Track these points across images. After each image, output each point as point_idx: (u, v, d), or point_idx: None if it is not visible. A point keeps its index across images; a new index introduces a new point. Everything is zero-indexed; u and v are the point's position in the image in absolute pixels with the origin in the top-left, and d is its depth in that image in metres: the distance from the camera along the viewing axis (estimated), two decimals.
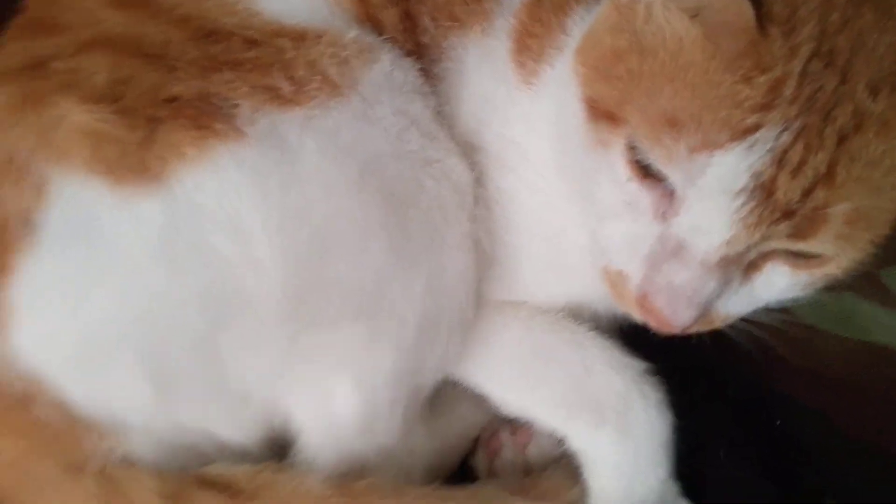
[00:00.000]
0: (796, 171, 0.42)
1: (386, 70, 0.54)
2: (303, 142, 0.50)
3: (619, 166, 0.46)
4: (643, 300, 0.47)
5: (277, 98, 0.50)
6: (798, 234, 0.44)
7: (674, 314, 0.45)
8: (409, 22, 0.60)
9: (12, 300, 0.48)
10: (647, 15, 0.45)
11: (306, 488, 0.52)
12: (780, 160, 0.41)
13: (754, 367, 0.68)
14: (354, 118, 0.52)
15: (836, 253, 0.45)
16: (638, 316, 0.49)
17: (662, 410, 0.57)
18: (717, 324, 0.49)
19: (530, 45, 0.58)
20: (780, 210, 0.42)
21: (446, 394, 0.64)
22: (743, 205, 0.42)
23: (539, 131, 0.57)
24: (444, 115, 0.60)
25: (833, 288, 0.60)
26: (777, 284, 0.48)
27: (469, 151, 0.60)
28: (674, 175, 0.44)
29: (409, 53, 0.59)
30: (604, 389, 0.58)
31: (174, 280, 0.48)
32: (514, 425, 0.64)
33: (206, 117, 0.48)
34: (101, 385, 0.49)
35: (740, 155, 0.41)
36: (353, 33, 0.55)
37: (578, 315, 0.62)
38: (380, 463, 0.56)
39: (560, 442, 0.61)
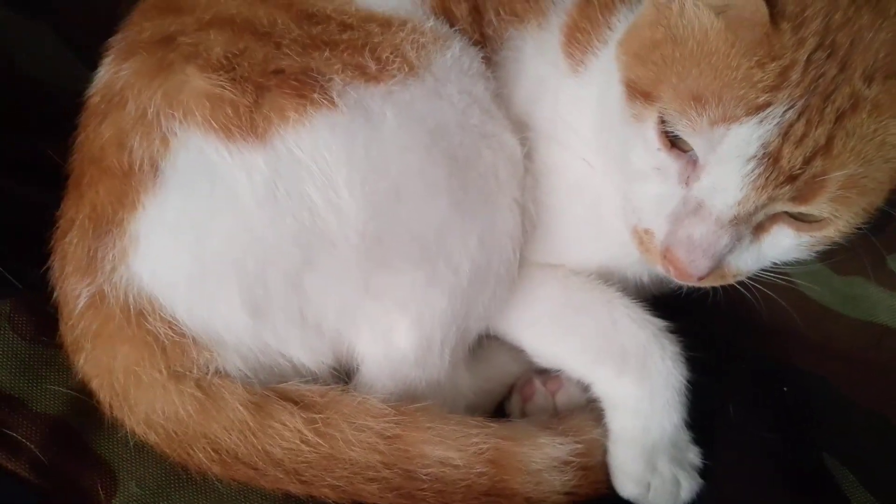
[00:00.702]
0: (799, 142, 0.49)
1: (456, 55, 0.62)
2: (384, 111, 0.58)
3: (652, 137, 0.54)
4: (666, 252, 0.54)
5: (364, 75, 0.58)
6: (800, 197, 0.50)
7: (692, 264, 0.53)
8: (477, 15, 0.68)
9: (138, 231, 0.56)
10: (681, 11, 0.53)
11: (367, 406, 0.59)
12: (785, 133, 0.48)
13: (767, 338, 0.74)
14: (427, 94, 0.60)
15: (834, 216, 0.52)
16: (661, 269, 0.56)
17: (679, 362, 0.64)
18: (729, 279, 0.56)
19: (579, 38, 0.65)
20: (783, 175, 0.49)
21: (488, 344, 0.71)
22: (753, 169, 0.49)
23: (583, 111, 0.64)
24: (501, 98, 0.66)
25: (845, 272, 0.68)
26: (782, 244, 0.55)
27: (522, 129, 0.67)
28: (697, 144, 0.51)
29: (474, 43, 0.66)
30: (627, 340, 0.65)
31: (274, 222, 0.56)
32: (546, 375, 0.71)
33: (306, 88, 0.56)
34: (205, 307, 0.57)
35: (753, 127, 0.48)
36: (430, 23, 0.63)
37: (608, 279, 0.69)
38: (428, 394, 0.63)
39: (586, 390, 0.67)
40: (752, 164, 0.49)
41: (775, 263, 0.57)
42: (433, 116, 0.60)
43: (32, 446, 0.56)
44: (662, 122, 0.53)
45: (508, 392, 0.72)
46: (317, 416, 0.57)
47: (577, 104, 0.65)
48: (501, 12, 0.68)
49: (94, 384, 0.58)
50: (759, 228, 0.54)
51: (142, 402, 0.57)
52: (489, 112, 0.63)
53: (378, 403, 0.59)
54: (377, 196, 0.57)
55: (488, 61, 0.67)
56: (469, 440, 0.59)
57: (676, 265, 0.54)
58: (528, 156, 0.67)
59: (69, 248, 0.59)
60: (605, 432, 0.64)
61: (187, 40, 0.59)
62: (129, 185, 0.56)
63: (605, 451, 0.64)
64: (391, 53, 0.59)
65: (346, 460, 0.57)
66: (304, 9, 0.61)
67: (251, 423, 0.56)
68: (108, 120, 0.59)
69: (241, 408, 0.56)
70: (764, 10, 0.49)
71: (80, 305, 0.58)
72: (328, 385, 0.61)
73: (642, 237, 0.57)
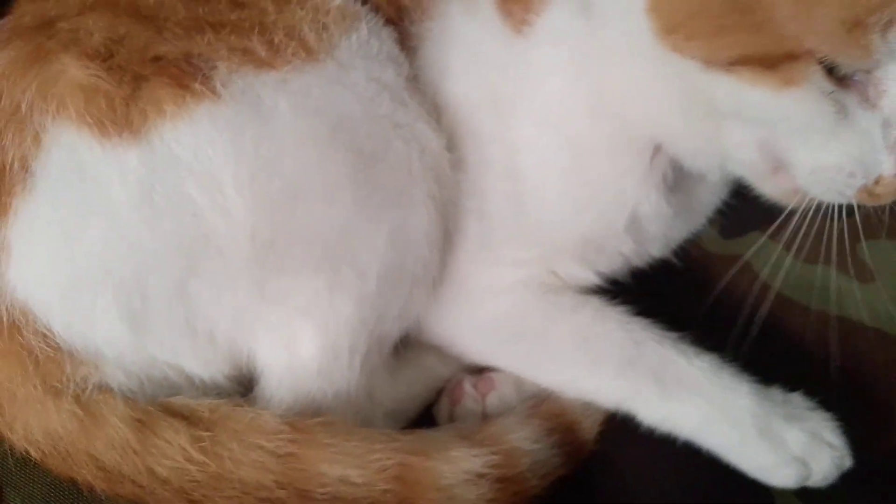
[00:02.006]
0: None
1: (363, 38, 0.58)
2: (276, 102, 0.54)
3: (814, 92, 0.48)
4: None
5: (254, 61, 0.54)
6: None
7: None
8: None
9: (9, 238, 0.53)
10: None
11: (261, 422, 0.55)
12: None
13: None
14: (328, 82, 0.56)
15: None
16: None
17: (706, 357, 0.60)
18: None
19: None
20: None
21: (415, 345, 0.67)
22: None
23: (543, 74, 0.60)
24: (421, 80, 0.62)
25: (809, 260, 0.63)
26: None
27: (455, 108, 0.63)
28: (874, 62, 0.46)
29: (389, 19, 0.62)
30: (657, 361, 0.61)
31: (152, 226, 0.52)
32: (477, 376, 0.68)
33: (187, 77, 0.52)
34: (81, 318, 0.53)
35: None
36: (338, 1, 0.58)
37: (587, 257, 0.65)
38: (337, 405, 0.59)
39: (520, 390, 0.65)
40: None
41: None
42: (335, 107, 0.56)
43: None
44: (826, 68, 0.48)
45: (438, 394, 0.69)
46: (204, 433, 0.54)
47: (530, 68, 0.60)
48: None
49: None
50: None
51: (19, 419, 0.54)
52: (401, 100, 0.59)
53: (271, 419, 0.56)
54: (269, 196, 0.53)
55: (405, 40, 0.62)
56: (372, 456, 0.56)
57: None
58: (470, 138, 0.63)
59: None
60: (526, 436, 0.61)
61: (66, 26, 0.55)
62: (1, 188, 0.53)
63: (525, 459, 0.60)
64: (285, 36, 0.55)
65: (235, 480, 0.54)
66: None
67: (133, 441, 0.53)
68: None
69: (121, 425, 0.53)
70: None
71: None
72: (223, 398, 0.57)
73: (873, 190, 0.52)
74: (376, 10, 0.62)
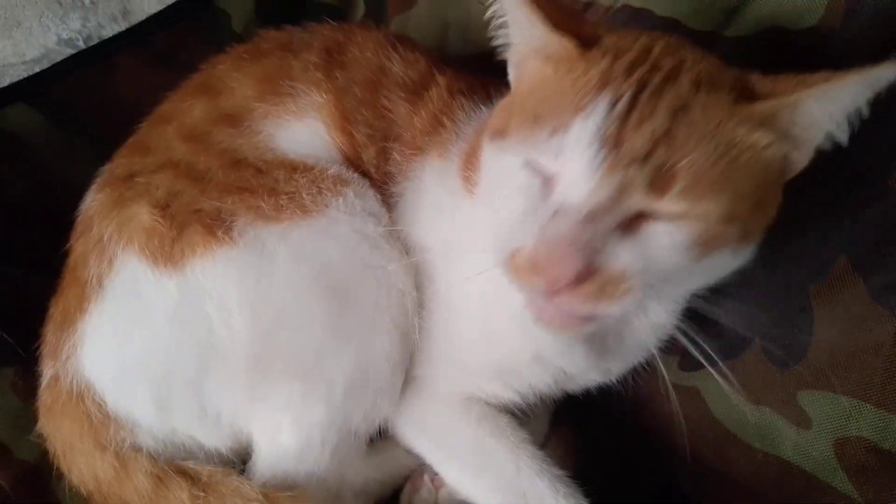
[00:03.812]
0: (637, 127, 0.52)
1: (350, 200, 0.73)
2: (277, 248, 0.70)
3: (511, 163, 0.57)
4: (534, 263, 0.53)
5: (263, 216, 0.70)
6: (654, 187, 0.51)
7: (559, 264, 0.51)
8: (383, 156, 0.78)
9: (84, 332, 0.71)
10: (524, 68, 0.62)
11: (242, 490, 0.69)
12: (621, 119, 0.52)
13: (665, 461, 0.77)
14: (318, 233, 0.71)
15: (693, 210, 0.52)
16: (535, 287, 0.54)
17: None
18: (621, 287, 0.53)
19: (475, 161, 0.71)
20: (628, 156, 0.51)
21: (388, 438, 0.80)
22: (597, 152, 0.51)
23: (476, 227, 0.69)
24: (396, 232, 0.75)
25: (756, 401, 0.70)
26: (659, 242, 0.53)
27: (421, 251, 0.75)
28: (546, 155, 0.54)
29: (375, 181, 0.76)
30: (528, 488, 0.70)
31: (179, 336, 0.69)
32: (436, 473, 0.78)
33: (215, 226, 0.69)
34: (124, 397, 0.71)
35: (586, 120, 0.52)
36: (333, 169, 0.73)
37: (512, 386, 0.75)
38: (309, 482, 0.72)
39: None
40: (594, 148, 0.51)
41: (663, 272, 0.55)
42: (321, 254, 0.70)
43: (6, 485, 0.73)
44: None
45: (405, 481, 0.81)
46: (199, 493, 0.68)
47: (471, 221, 0.71)
48: (405, 150, 0.77)
49: (48, 444, 0.74)
50: (629, 227, 0.54)
51: (75, 464, 0.72)
52: (378, 247, 0.73)
53: (250, 489, 0.68)
54: (262, 319, 0.69)
55: (386, 196, 0.77)
56: None
57: (545, 268, 0.52)
58: (427, 275, 0.75)
59: (47, 335, 0.75)
60: None
61: (142, 180, 0.73)
62: (84, 294, 0.71)
63: None
64: (288, 199, 0.70)
65: None
66: (234, 156, 0.74)
67: (150, 491, 0.68)
68: (81, 238, 0.75)
69: (144, 478, 0.69)
70: (573, 43, 0.57)
71: (44, 382, 0.74)
72: (221, 465, 0.72)
73: (514, 261, 0.56)
74: (365, 174, 0.77)
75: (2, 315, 0.83)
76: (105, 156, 0.83)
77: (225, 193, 0.71)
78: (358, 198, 0.73)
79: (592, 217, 0.52)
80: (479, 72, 0.85)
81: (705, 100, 0.53)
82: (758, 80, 0.56)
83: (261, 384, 0.70)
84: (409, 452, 0.79)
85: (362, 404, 0.72)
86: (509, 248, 0.56)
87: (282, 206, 0.70)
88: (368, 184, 0.77)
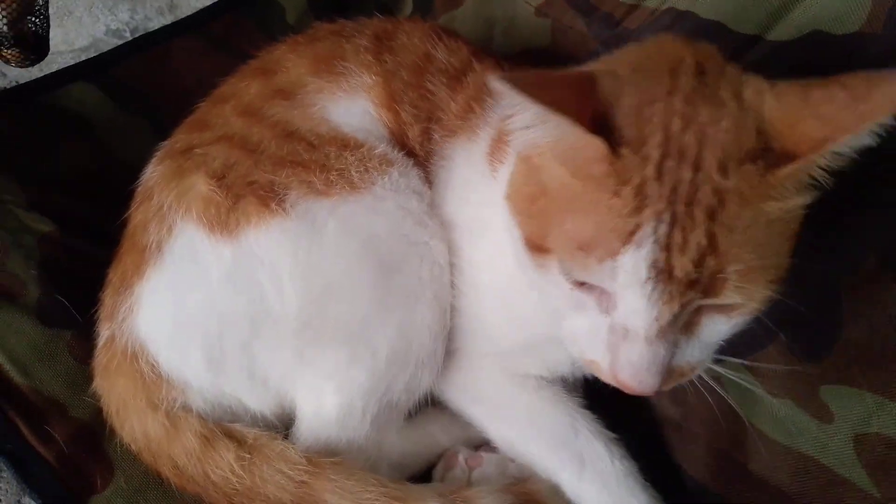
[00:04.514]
0: (682, 249, 0.52)
1: (394, 178, 0.76)
2: (326, 222, 0.73)
3: (561, 281, 0.58)
4: (616, 379, 0.58)
5: (314, 191, 0.73)
6: (709, 293, 0.53)
7: (642, 384, 0.56)
8: (426, 136, 0.82)
9: (141, 294, 0.75)
10: (540, 165, 0.59)
11: (287, 454, 0.71)
12: (667, 246, 0.52)
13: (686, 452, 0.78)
14: (365, 209, 0.74)
15: (746, 300, 0.55)
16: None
17: (628, 465, 0.72)
18: (689, 375, 0.60)
19: (499, 148, 0.75)
20: (683, 283, 0.52)
21: (427, 413, 0.83)
22: (654, 288, 0.52)
23: (498, 209, 0.70)
24: (435, 205, 0.79)
25: (777, 395, 0.71)
26: (717, 330, 0.58)
27: (450, 227, 0.79)
28: (597, 280, 0.55)
29: (419, 158, 0.80)
30: (587, 448, 0.73)
31: (233, 300, 0.72)
32: (471, 452, 0.82)
33: (268, 199, 0.72)
34: (177, 357, 0.74)
35: (634, 253, 0.52)
36: (380, 148, 0.77)
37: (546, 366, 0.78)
38: (349, 450, 0.75)
39: (503, 472, 0.78)
40: (650, 285, 0.52)
41: (723, 344, 0.61)
42: (368, 228, 0.74)
43: (61, 440, 0.76)
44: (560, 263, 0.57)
45: (438, 459, 0.83)
46: (245, 454, 0.71)
47: (494, 202, 0.70)
48: (442, 131, 0.81)
49: (102, 402, 0.78)
50: (691, 325, 0.57)
51: (127, 421, 0.75)
52: (421, 223, 0.76)
53: (294, 454, 0.71)
54: (312, 289, 0.72)
55: (430, 174, 0.80)
56: (364, 495, 0.69)
57: (629, 388, 0.57)
58: (454, 252, 0.78)
59: (104, 299, 0.79)
60: (493, 502, 0.72)
61: (200, 151, 0.77)
62: (142, 259, 0.75)
63: None
64: (338, 175, 0.73)
65: (262, 494, 0.70)
66: (287, 128, 0.77)
67: (198, 451, 0.71)
68: (141, 207, 0.79)
69: (192, 438, 0.72)
70: (598, 144, 0.53)
71: (100, 343, 0.78)
72: (265, 430, 0.74)
73: (591, 366, 0.61)
74: (410, 152, 0.80)
75: (62, 282, 0.87)
76: (163, 135, 0.87)
77: (278, 166, 0.74)
78: (402, 176, 0.77)
79: (661, 336, 0.55)
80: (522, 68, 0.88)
81: (736, 185, 0.52)
82: (777, 123, 0.54)
83: (308, 350, 0.73)
84: (444, 430, 0.82)
85: (404, 374, 0.75)
86: (582, 354, 0.61)
87: (332, 181, 0.73)
88: (412, 162, 0.80)
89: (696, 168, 0.53)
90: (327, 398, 0.74)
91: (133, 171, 0.85)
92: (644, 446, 0.76)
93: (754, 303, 0.56)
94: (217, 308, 0.72)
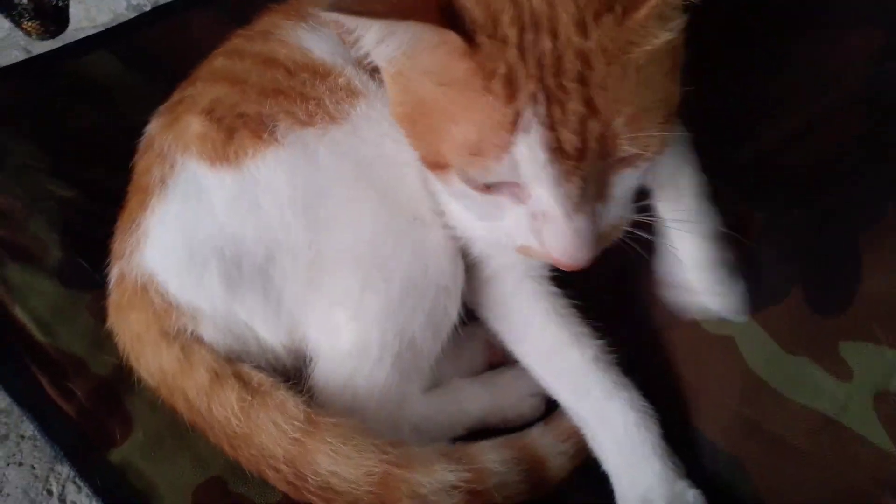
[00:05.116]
0: (564, 122, 0.51)
1: (363, 109, 0.74)
2: (317, 148, 0.73)
3: (468, 190, 0.58)
4: (550, 258, 0.59)
5: (300, 121, 0.73)
6: (606, 155, 0.54)
7: (574, 258, 0.57)
8: None
9: (149, 227, 0.76)
10: (408, 80, 0.58)
11: (286, 406, 0.70)
12: (551, 124, 0.51)
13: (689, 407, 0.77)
14: (348, 135, 0.73)
15: (643, 147, 0.55)
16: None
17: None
18: (616, 234, 0.61)
19: None
20: (578, 154, 0.53)
21: (453, 381, 0.82)
22: (555, 168, 0.52)
23: None
24: None
25: (793, 351, 0.70)
26: (627, 184, 0.58)
27: None
28: (503, 177, 0.55)
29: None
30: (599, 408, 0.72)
31: (242, 222, 0.72)
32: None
33: (260, 130, 0.73)
34: (189, 282, 0.74)
35: (524, 139, 0.52)
36: (344, 77, 0.76)
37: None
38: (369, 402, 0.73)
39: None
40: (550, 166, 0.52)
41: (640, 194, 0.63)
42: (356, 152, 0.73)
43: (81, 395, 0.78)
44: (460, 174, 0.57)
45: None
46: (247, 396, 0.70)
47: None
48: None
49: (118, 339, 0.79)
50: (602, 188, 0.57)
51: (143, 355, 0.76)
52: (400, 142, 0.72)
53: (294, 407, 0.70)
54: (315, 214, 0.72)
55: None
56: (362, 462, 0.68)
57: (564, 264, 0.58)
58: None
59: (113, 245, 0.81)
60: (496, 460, 0.71)
61: (191, 93, 0.79)
62: (147, 196, 0.76)
63: (493, 478, 0.70)
64: (316, 106, 0.73)
65: (256, 443, 0.70)
66: (267, 56, 0.78)
67: (206, 387, 0.71)
68: (144, 155, 0.81)
69: (204, 372, 0.72)
70: (453, 38, 0.51)
71: (111, 282, 0.80)
72: (276, 376, 0.73)
73: (525, 251, 0.61)
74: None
75: (82, 246, 0.89)
76: None
77: (262, 96, 0.74)
78: (369, 107, 0.75)
79: (576, 209, 0.55)
80: None
81: (599, 42, 0.51)
82: None
83: (319, 278, 0.72)
84: (474, 396, 0.80)
85: (423, 303, 0.73)
86: (514, 243, 0.61)
87: (312, 112, 0.73)
88: (377, 85, 0.77)
89: (554, 34, 0.52)
90: (341, 329, 0.73)
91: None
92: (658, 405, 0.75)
93: (653, 146, 0.56)
94: (228, 232, 0.73)
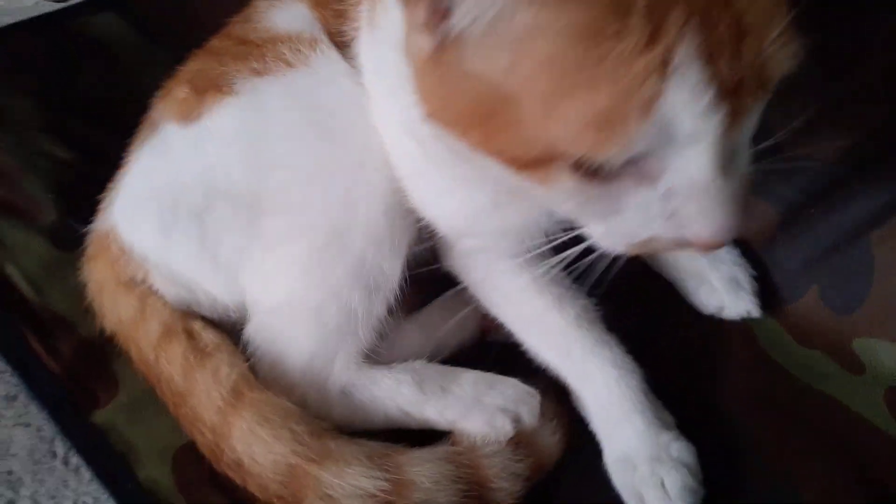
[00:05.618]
0: (720, 52, 0.41)
1: (325, 51, 0.73)
2: (268, 92, 0.72)
3: (576, 185, 0.47)
4: (691, 242, 0.48)
5: (257, 72, 0.73)
6: (763, 85, 0.44)
7: (727, 232, 0.47)
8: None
9: (122, 183, 0.79)
10: (480, 69, 0.45)
11: (221, 371, 0.69)
12: (709, 55, 0.41)
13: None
14: (304, 77, 0.73)
15: (791, 58, 0.44)
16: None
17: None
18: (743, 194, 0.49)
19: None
20: (737, 89, 0.42)
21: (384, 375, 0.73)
22: (717, 113, 0.42)
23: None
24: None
25: (806, 345, 0.72)
26: (753, 123, 0.47)
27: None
28: (643, 150, 0.43)
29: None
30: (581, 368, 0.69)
31: (189, 172, 0.73)
32: None
33: (223, 86, 0.74)
34: (135, 231, 0.76)
35: (679, 84, 0.41)
36: (307, 33, 0.75)
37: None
38: (296, 361, 0.71)
39: None
40: (712, 112, 0.42)
41: None
42: (308, 94, 0.73)
43: (68, 355, 0.78)
44: (579, 166, 0.45)
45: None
46: (191, 357, 0.70)
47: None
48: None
49: (88, 289, 0.80)
50: (734, 134, 0.46)
51: (104, 304, 0.77)
52: (357, 90, 0.72)
53: (224, 373, 0.69)
54: (256, 159, 0.72)
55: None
56: (273, 448, 0.64)
57: (711, 242, 0.48)
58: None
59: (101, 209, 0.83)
60: (427, 475, 0.64)
61: (183, 69, 0.81)
62: (130, 159, 0.79)
63: (418, 494, 0.63)
64: (274, 58, 0.73)
65: (191, 404, 0.69)
66: (243, 37, 0.79)
67: (155, 340, 0.72)
68: (141, 129, 0.83)
69: (156, 326, 0.73)
70: None
71: (89, 241, 0.81)
72: (223, 335, 0.74)
73: (644, 244, 0.51)
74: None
75: (76, 207, 0.88)
76: None
77: (232, 61, 0.76)
78: (330, 48, 0.75)
79: (726, 168, 0.45)
80: None
81: None
82: None
83: (255, 225, 0.72)
84: (396, 397, 0.72)
85: (346, 255, 0.70)
86: (630, 242, 0.51)
87: (268, 63, 0.73)
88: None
89: None
90: (269, 281, 0.72)
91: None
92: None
93: (794, 60, 0.45)
94: (172, 179, 0.74)
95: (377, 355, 0.74)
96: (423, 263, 0.77)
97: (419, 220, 0.72)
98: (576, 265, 0.58)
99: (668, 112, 0.41)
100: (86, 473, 0.72)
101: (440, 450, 0.67)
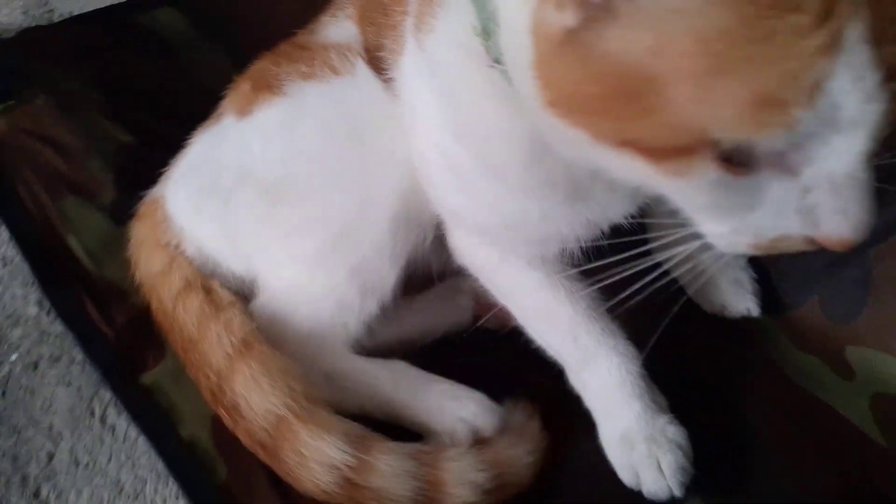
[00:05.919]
0: (884, 31, 0.38)
1: (363, 66, 0.78)
2: (310, 94, 0.79)
3: (719, 177, 0.43)
4: (825, 241, 0.45)
5: (304, 75, 0.80)
6: None
7: (865, 229, 0.43)
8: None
9: (179, 163, 0.87)
10: (625, 48, 0.40)
11: (234, 323, 0.76)
12: (875, 37, 0.38)
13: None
14: (343, 86, 0.78)
15: None
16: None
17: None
18: None
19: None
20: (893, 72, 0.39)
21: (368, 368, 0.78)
22: (882, 97, 0.39)
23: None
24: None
25: (804, 349, 0.76)
26: None
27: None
28: (805, 130, 0.39)
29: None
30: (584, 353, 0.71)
31: (229, 154, 0.82)
32: None
33: (274, 86, 0.80)
34: (177, 203, 0.84)
35: (846, 66, 0.37)
36: (353, 45, 0.81)
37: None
38: (286, 345, 0.75)
39: None
40: (878, 95, 0.38)
41: None
42: (345, 102, 0.78)
43: (121, 322, 0.85)
44: (725, 154, 0.41)
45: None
46: (207, 308, 0.77)
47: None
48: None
49: (129, 243, 0.87)
50: None
51: (141, 257, 0.85)
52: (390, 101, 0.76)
53: (237, 324, 0.75)
54: (291, 150, 0.78)
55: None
56: (269, 398, 0.70)
57: (846, 241, 0.44)
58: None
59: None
60: (391, 464, 0.67)
61: (251, 67, 0.87)
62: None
63: (378, 479, 0.66)
64: (321, 63, 0.79)
65: (200, 349, 0.75)
66: (302, 43, 0.86)
67: (176, 291, 0.80)
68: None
69: (179, 279, 0.80)
70: None
71: (142, 203, 0.89)
72: (237, 298, 0.79)
73: (772, 244, 0.48)
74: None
75: (133, 187, 0.94)
76: (238, 62, 0.93)
77: (286, 64, 0.82)
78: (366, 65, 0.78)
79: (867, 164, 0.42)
80: None
81: None
82: None
83: (270, 210, 0.79)
84: (394, 379, 0.77)
85: (356, 250, 0.76)
86: (758, 241, 0.48)
87: (317, 68, 0.79)
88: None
89: None
90: (277, 266, 0.80)
91: (208, 94, 0.92)
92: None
93: None
94: (216, 164, 0.82)
95: (371, 333, 0.80)
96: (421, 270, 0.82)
97: (423, 231, 0.77)
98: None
99: (836, 95, 0.38)
100: (120, 432, 0.79)
101: (410, 446, 0.70)
